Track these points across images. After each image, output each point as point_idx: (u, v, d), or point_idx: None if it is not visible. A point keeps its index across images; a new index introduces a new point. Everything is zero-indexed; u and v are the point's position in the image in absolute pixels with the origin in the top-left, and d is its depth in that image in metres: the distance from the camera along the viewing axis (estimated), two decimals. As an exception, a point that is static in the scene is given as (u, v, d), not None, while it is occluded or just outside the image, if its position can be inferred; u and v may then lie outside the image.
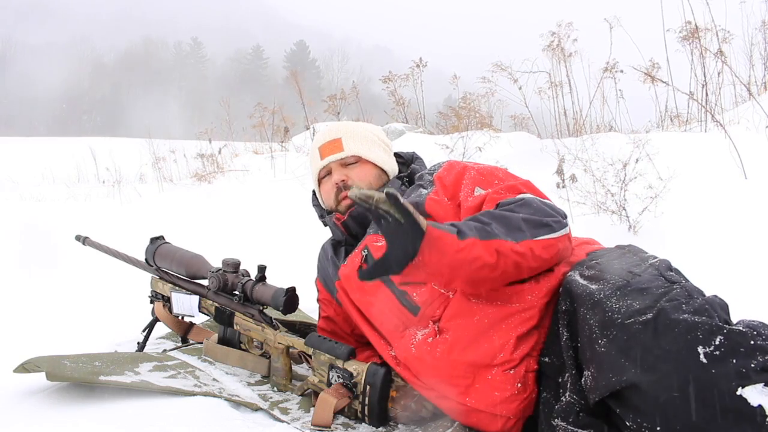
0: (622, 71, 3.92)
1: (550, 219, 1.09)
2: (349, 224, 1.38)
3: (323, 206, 1.48)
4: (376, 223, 1.01)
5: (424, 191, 1.29)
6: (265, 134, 5.75)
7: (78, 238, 1.73)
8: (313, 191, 1.52)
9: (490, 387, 1.07)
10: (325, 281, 1.47)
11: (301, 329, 1.63)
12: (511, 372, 1.07)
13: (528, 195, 1.16)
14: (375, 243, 1.28)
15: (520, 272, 1.08)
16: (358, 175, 1.39)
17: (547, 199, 1.19)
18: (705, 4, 3.60)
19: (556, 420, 0.99)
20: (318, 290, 1.51)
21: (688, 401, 0.83)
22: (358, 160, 1.40)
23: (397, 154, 1.50)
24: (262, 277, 1.43)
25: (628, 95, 4.14)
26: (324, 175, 1.44)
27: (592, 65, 4.17)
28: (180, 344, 1.64)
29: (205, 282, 1.53)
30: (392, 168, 1.44)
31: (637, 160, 2.45)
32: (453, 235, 1.02)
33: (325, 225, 1.47)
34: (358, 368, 1.24)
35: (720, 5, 3.66)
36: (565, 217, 1.13)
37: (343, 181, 1.38)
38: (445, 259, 1.02)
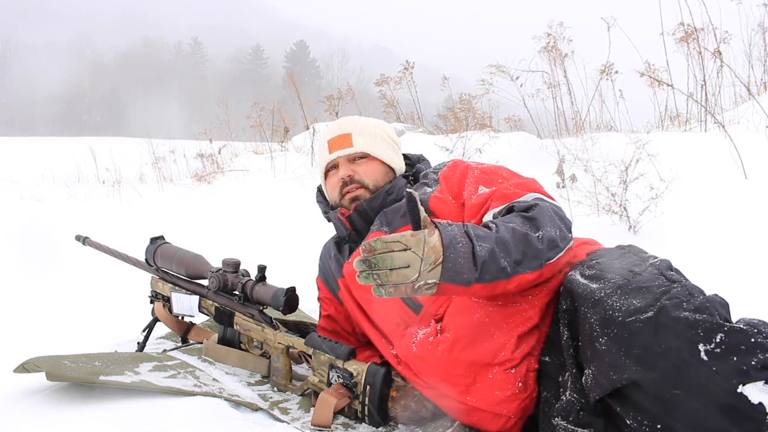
0: (617, 72, 3.92)
1: (559, 236, 1.06)
2: (353, 219, 1.38)
3: (329, 200, 1.48)
4: None
5: (428, 189, 1.30)
6: (264, 134, 5.75)
7: (78, 238, 1.73)
8: (318, 188, 1.52)
9: (490, 386, 1.07)
10: (327, 279, 1.48)
11: (301, 329, 1.63)
12: (512, 371, 1.07)
13: (540, 200, 1.13)
14: None
15: (522, 291, 1.08)
16: (365, 171, 1.39)
17: (553, 199, 1.18)
18: (702, 4, 3.60)
19: (556, 419, 0.99)
20: (319, 288, 1.52)
21: (689, 399, 0.83)
22: (366, 156, 1.40)
23: (404, 155, 1.51)
24: (262, 277, 1.43)
25: (627, 95, 4.14)
26: (331, 168, 1.44)
27: (590, 66, 4.17)
28: (180, 344, 1.64)
29: (205, 282, 1.53)
30: (399, 166, 1.45)
31: (638, 161, 2.45)
32: (467, 287, 0.99)
33: (329, 221, 1.47)
34: (358, 368, 1.24)
35: (717, 6, 3.67)
36: (570, 227, 1.12)
37: (350, 176, 1.38)
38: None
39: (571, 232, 1.11)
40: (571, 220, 1.16)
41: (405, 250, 0.94)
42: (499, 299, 1.10)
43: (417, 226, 0.97)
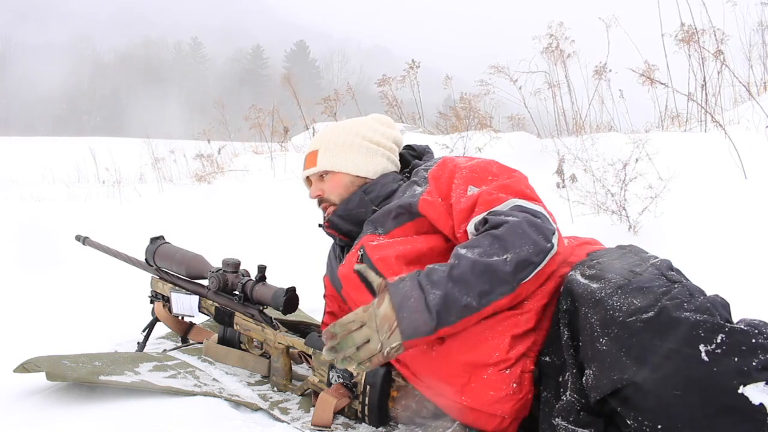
0: (611, 71, 3.92)
1: (533, 251, 1.04)
2: (337, 224, 1.40)
3: None
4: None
5: (418, 189, 1.28)
6: (263, 134, 5.75)
7: (78, 238, 1.73)
8: None
9: (485, 386, 1.07)
10: (332, 277, 1.49)
11: (301, 329, 1.63)
12: (507, 372, 1.07)
13: (517, 209, 1.11)
14: (371, 243, 1.28)
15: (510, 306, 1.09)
16: (329, 188, 1.43)
17: (538, 201, 1.16)
18: (702, 5, 3.60)
19: (556, 419, 0.99)
20: (325, 286, 1.54)
21: (690, 399, 0.83)
22: (329, 172, 1.43)
23: (409, 146, 1.51)
24: (262, 277, 1.43)
25: (627, 95, 4.15)
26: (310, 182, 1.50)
27: (590, 66, 4.17)
28: (180, 344, 1.64)
29: (205, 282, 1.53)
30: (374, 170, 1.41)
31: (637, 160, 2.45)
32: (434, 334, 1.02)
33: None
34: (358, 368, 1.24)
35: (717, 6, 3.67)
36: (551, 236, 1.07)
37: (319, 195, 1.44)
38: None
39: (551, 241, 1.06)
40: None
41: (362, 326, 1.02)
42: None
43: (373, 293, 1.08)
